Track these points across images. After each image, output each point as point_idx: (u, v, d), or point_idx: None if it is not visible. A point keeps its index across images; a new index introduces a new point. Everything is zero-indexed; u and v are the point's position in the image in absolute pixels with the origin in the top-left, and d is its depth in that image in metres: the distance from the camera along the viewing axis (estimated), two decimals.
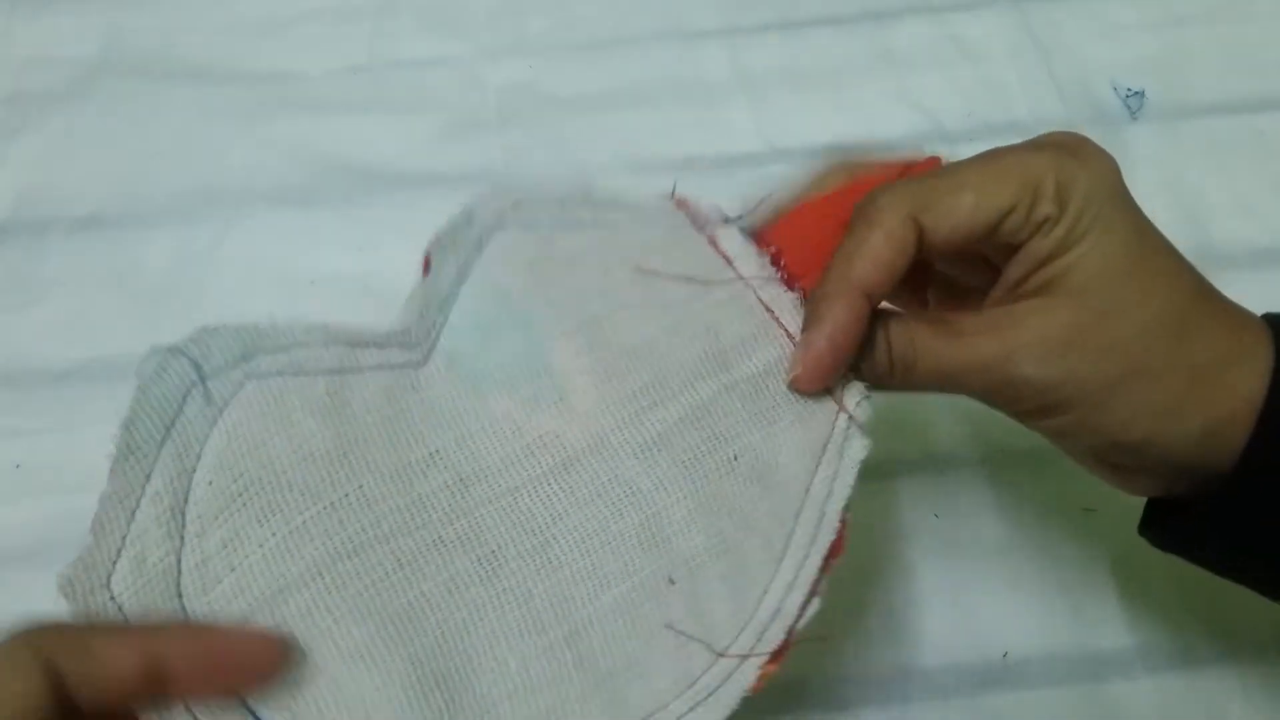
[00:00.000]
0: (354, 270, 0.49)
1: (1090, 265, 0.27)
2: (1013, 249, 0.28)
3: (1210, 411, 0.27)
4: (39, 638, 0.22)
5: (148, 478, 0.25)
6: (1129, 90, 0.54)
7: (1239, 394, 0.27)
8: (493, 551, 0.26)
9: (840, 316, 0.28)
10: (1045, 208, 0.27)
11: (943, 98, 0.54)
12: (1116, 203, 0.28)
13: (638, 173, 0.51)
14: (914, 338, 0.28)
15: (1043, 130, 0.51)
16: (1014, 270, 0.28)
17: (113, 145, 0.53)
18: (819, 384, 0.29)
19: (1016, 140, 0.51)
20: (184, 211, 0.51)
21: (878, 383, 0.29)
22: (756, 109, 0.54)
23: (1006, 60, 0.55)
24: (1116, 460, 0.29)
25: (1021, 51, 0.55)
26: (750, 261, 0.30)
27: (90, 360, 0.46)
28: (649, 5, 0.58)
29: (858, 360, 0.29)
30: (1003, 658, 0.39)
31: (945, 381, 0.28)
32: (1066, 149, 0.28)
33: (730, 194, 0.50)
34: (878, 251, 0.28)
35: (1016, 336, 0.27)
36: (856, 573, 0.41)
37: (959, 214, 0.28)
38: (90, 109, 0.54)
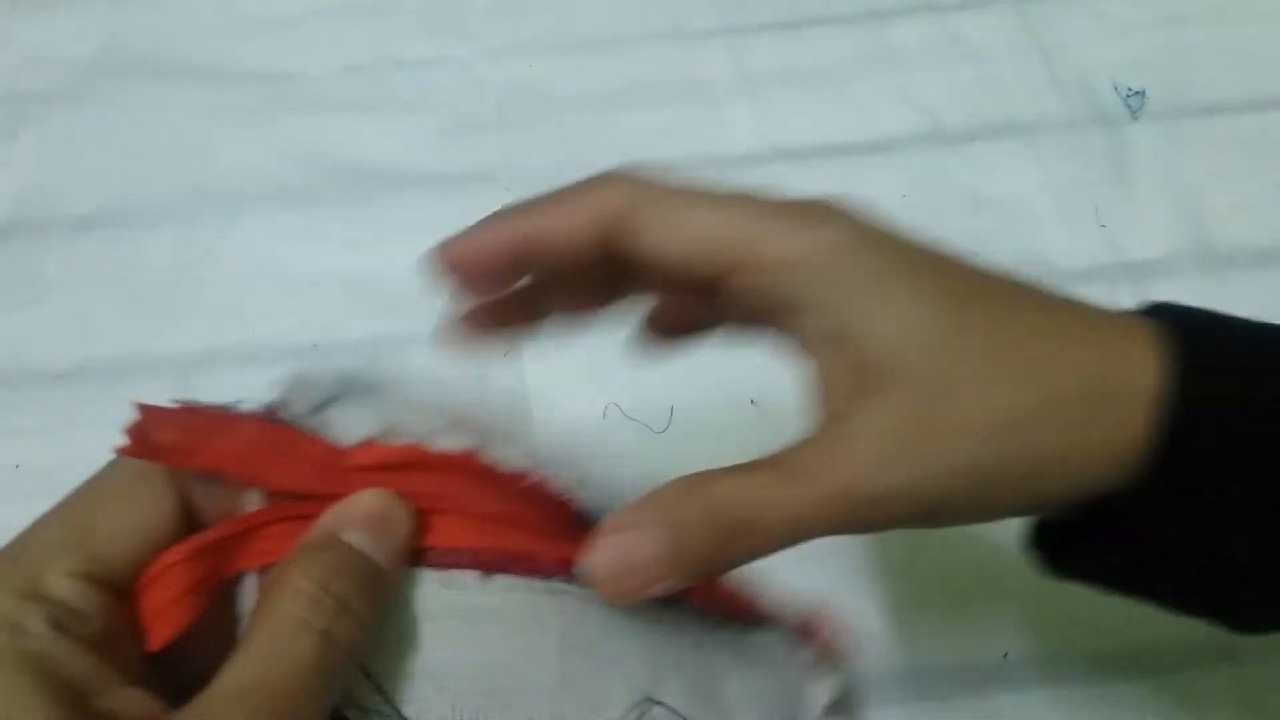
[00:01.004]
0: (354, 270, 0.49)
1: (888, 341, 0.23)
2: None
3: (1098, 444, 0.23)
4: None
5: None
6: (1130, 90, 0.53)
7: (1129, 422, 0.23)
8: None
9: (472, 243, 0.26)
10: (785, 279, 0.24)
11: (943, 97, 0.54)
12: (887, 257, 0.24)
13: None
14: (752, 494, 0.23)
15: (1043, 130, 0.52)
16: (816, 365, 0.24)
17: (112, 145, 0.53)
18: (616, 578, 0.23)
19: (1017, 141, 0.52)
20: (184, 211, 0.51)
21: (697, 562, 0.23)
22: (756, 109, 0.54)
23: (1007, 59, 0.55)
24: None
25: (1022, 51, 0.55)
26: None
27: (90, 360, 0.46)
28: (649, 5, 0.58)
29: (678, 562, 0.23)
30: (1003, 658, 0.39)
31: (799, 533, 0.23)
32: (807, 212, 0.25)
33: None
34: (563, 207, 0.25)
35: (855, 452, 0.23)
36: (856, 573, 0.41)
37: (684, 232, 0.24)
38: (90, 109, 0.54)
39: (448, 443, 0.25)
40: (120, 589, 0.22)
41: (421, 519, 0.24)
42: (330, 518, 0.23)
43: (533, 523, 0.25)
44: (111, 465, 0.24)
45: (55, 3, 0.58)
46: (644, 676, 0.25)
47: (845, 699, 0.28)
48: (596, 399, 0.45)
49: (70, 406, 0.45)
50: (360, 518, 0.23)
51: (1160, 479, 0.23)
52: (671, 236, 0.24)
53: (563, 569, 0.24)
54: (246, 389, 0.46)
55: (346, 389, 0.26)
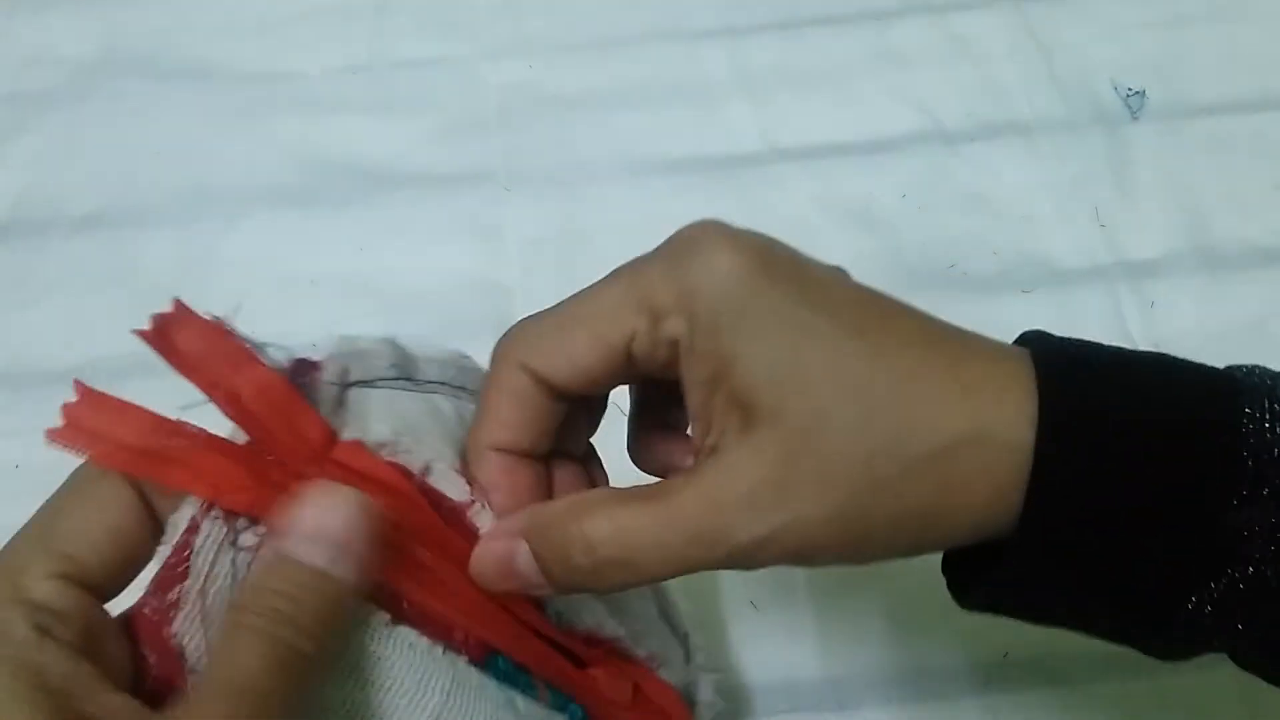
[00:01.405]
0: (354, 270, 0.49)
1: (761, 380, 0.23)
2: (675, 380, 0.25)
3: (972, 494, 0.22)
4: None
5: None
6: (1130, 90, 0.53)
7: (1003, 476, 0.22)
8: None
9: (489, 476, 0.26)
10: (671, 327, 0.24)
11: (943, 97, 0.54)
12: (760, 292, 0.23)
13: (637, 173, 0.51)
14: (597, 521, 0.23)
15: (1043, 130, 0.52)
16: (695, 405, 0.24)
17: (112, 145, 0.53)
18: (498, 579, 0.25)
19: (1017, 141, 0.52)
20: (184, 211, 0.51)
21: (571, 584, 0.24)
22: (757, 108, 0.54)
23: (1007, 60, 0.55)
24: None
25: (1022, 51, 0.55)
26: None
27: (90, 360, 0.46)
28: (649, 5, 0.58)
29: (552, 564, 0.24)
30: (1003, 658, 0.39)
31: (669, 571, 0.24)
32: (677, 252, 0.25)
33: (731, 193, 0.51)
34: (495, 409, 0.26)
35: (725, 496, 0.23)
36: (856, 573, 0.41)
37: (575, 353, 0.25)
38: (90, 109, 0.54)
39: (439, 479, 0.26)
40: (97, 589, 0.23)
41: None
42: (275, 532, 0.23)
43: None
44: (74, 472, 0.24)
45: (55, 3, 0.58)
46: None
47: None
48: None
49: None
50: (301, 526, 0.23)
51: (1033, 525, 0.22)
52: (572, 366, 0.25)
53: (476, 651, 0.25)
54: None
55: (383, 374, 0.27)
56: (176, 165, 0.52)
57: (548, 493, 0.27)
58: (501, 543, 0.25)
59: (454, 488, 0.26)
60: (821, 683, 0.38)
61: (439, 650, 0.24)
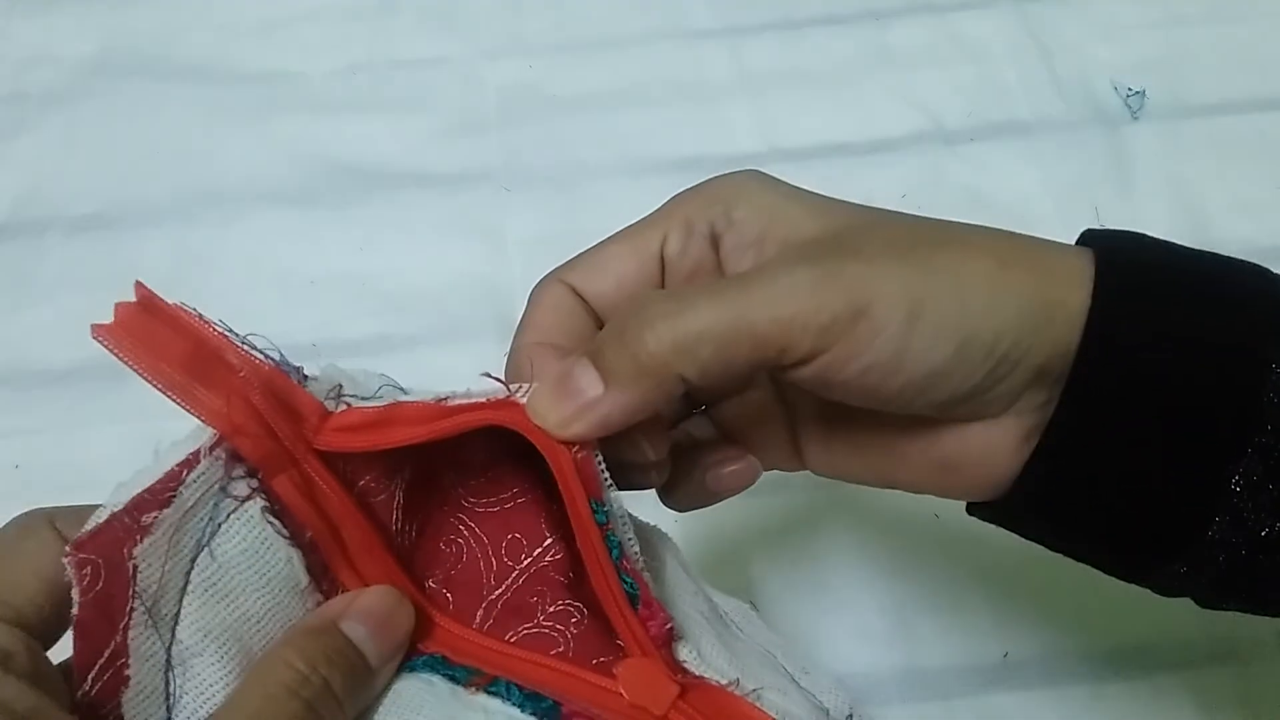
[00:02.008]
0: (353, 270, 0.49)
1: (809, 223, 0.25)
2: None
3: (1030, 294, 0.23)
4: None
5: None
6: (1130, 90, 0.53)
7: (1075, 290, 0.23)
8: None
9: (526, 366, 0.25)
10: (707, 216, 0.26)
11: (943, 97, 0.54)
12: (794, 190, 0.26)
13: (637, 173, 0.51)
14: (641, 306, 0.24)
15: (1043, 130, 0.53)
16: (747, 260, 0.26)
17: (112, 145, 0.53)
18: (554, 401, 0.24)
19: (1017, 141, 0.52)
20: (183, 211, 0.51)
21: (635, 379, 0.23)
22: (757, 108, 0.54)
23: (1007, 59, 0.55)
24: (954, 395, 0.24)
25: (1022, 51, 0.55)
26: None
27: (89, 360, 0.46)
28: (649, 5, 0.58)
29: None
30: (1003, 658, 0.39)
31: (691, 349, 0.23)
32: (706, 183, 0.27)
33: None
34: (537, 320, 0.27)
35: (760, 273, 0.24)
36: (857, 573, 0.41)
37: (609, 262, 0.27)
38: (90, 109, 0.54)
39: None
40: (36, 631, 0.23)
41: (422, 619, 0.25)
42: (336, 604, 0.24)
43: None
44: (5, 527, 0.25)
45: (55, 3, 0.58)
46: None
47: None
48: None
49: (69, 406, 0.45)
50: (363, 613, 0.24)
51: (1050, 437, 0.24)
52: (608, 279, 0.27)
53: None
54: None
55: (374, 394, 0.26)
56: (176, 165, 0.52)
57: None
58: (557, 365, 0.24)
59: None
60: None
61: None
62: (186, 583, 0.23)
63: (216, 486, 0.24)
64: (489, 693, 0.24)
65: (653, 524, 0.27)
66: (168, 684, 0.23)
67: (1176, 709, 0.38)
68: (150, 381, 0.24)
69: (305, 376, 0.26)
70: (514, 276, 0.48)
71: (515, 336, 0.27)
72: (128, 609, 0.23)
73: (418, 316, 0.47)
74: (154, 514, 0.23)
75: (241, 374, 0.25)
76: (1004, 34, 0.56)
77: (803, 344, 0.23)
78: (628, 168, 0.52)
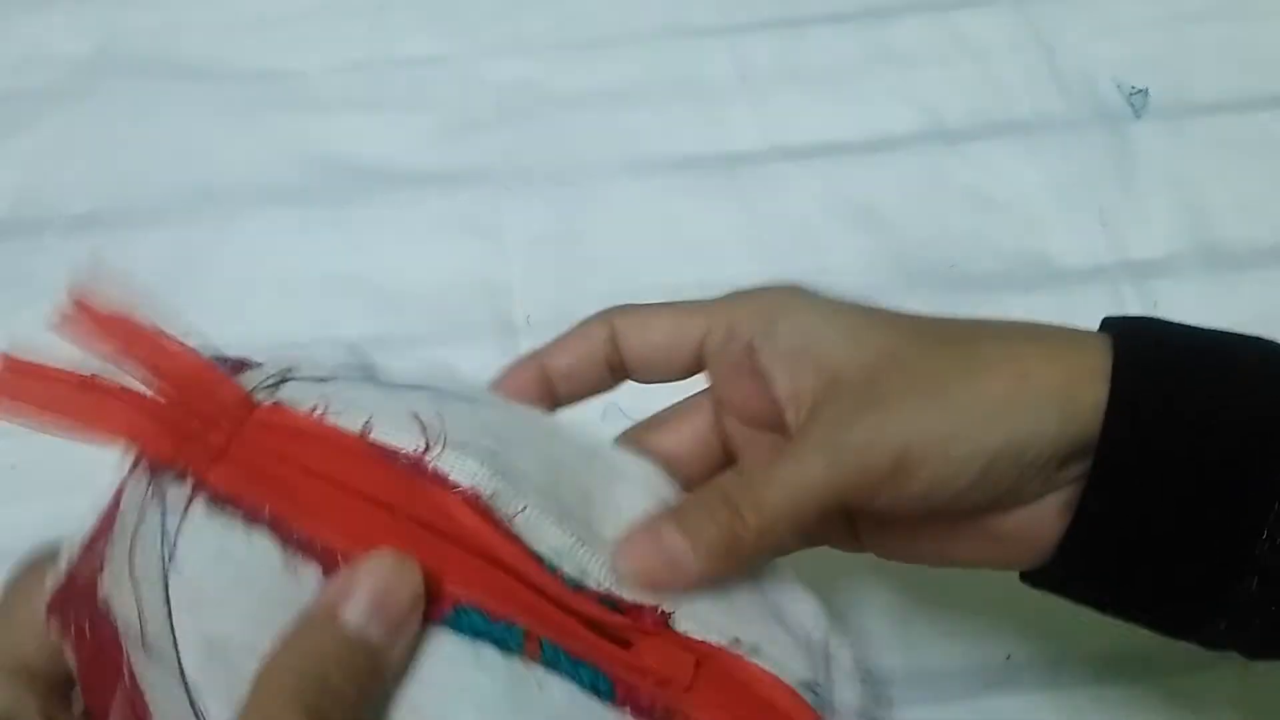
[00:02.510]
0: (352, 269, 0.49)
1: (840, 350, 0.27)
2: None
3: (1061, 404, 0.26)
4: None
5: None
6: (1133, 88, 0.53)
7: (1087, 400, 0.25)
8: None
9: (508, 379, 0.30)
10: (747, 329, 0.29)
11: (945, 95, 0.54)
12: (833, 310, 0.28)
13: (638, 171, 0.51)
14: (753, 476, 0.27)
15: (1045, 128, 0.52)
16: (782, 380, 0.28)
17: (110, 144, 0.53)
18: (649, 572, 0.25)
19: (1019, 139, 0.52)
20: (181, 210, 0.50)
21: (733, 554, 0.26)
22: (758, 107, 0.54)
23: (1009, 58, 0.55)
24: (992, 497, 0.27)
25: (1024, 49, 0.55)
26: None
27: (87, 360, 0.46)
28: (649, 3, 0.57)
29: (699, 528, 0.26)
30: (1005, 660, 0.39)
31: (804, 504, 0.26)
32: (758, 296, 0.29)
33: (732, 192, 0.51)
34: (569, 344, 0.30)
35: (845, 422, 0.26)
36: (857, 573, 0.41)
37: (653, 329, 0.30)
38: (87, 107, 0.54)
39: (383, 434, 0.24)
40: (52, 679, 0.25)
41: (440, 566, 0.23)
42: (333, 590, 0.22)
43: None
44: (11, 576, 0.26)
45: (53, 1, 0.58)
46: None
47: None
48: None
49: None
50: (359, 590, 0.22)
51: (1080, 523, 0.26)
52: (646, 338, 0.30)
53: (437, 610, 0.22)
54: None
55: (331, 372, 0.26)
56: (174, 164, 0.52)
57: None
58: (644, 532, 0.26)
59: (404, 437, 0.24)
60: None
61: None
62: (169, 607, 0.22)
63: (152, 500, 0.23)
64: (545, 664, 0.22)
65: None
66: (195, 711, 0.22)
67: (1179, 711, 0.38)
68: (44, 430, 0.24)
69: (245, 365, 0.26)
70: (513, 276, 0.48)
71: (543, 348, 0.30)
72: (123, 652, 0.22)
73: (416, 316, 0.47)
74: (104, 542, 0.23)
75: (141, 383, 0.25)
76: (1006, 32, 0.56)
77: (856, 499, 0.27)
78: (628, 166, 0.52)
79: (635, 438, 0.31)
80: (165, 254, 0.49)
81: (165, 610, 0.22)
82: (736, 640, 0.24)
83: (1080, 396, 0.25)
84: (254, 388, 0.25)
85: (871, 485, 0.26)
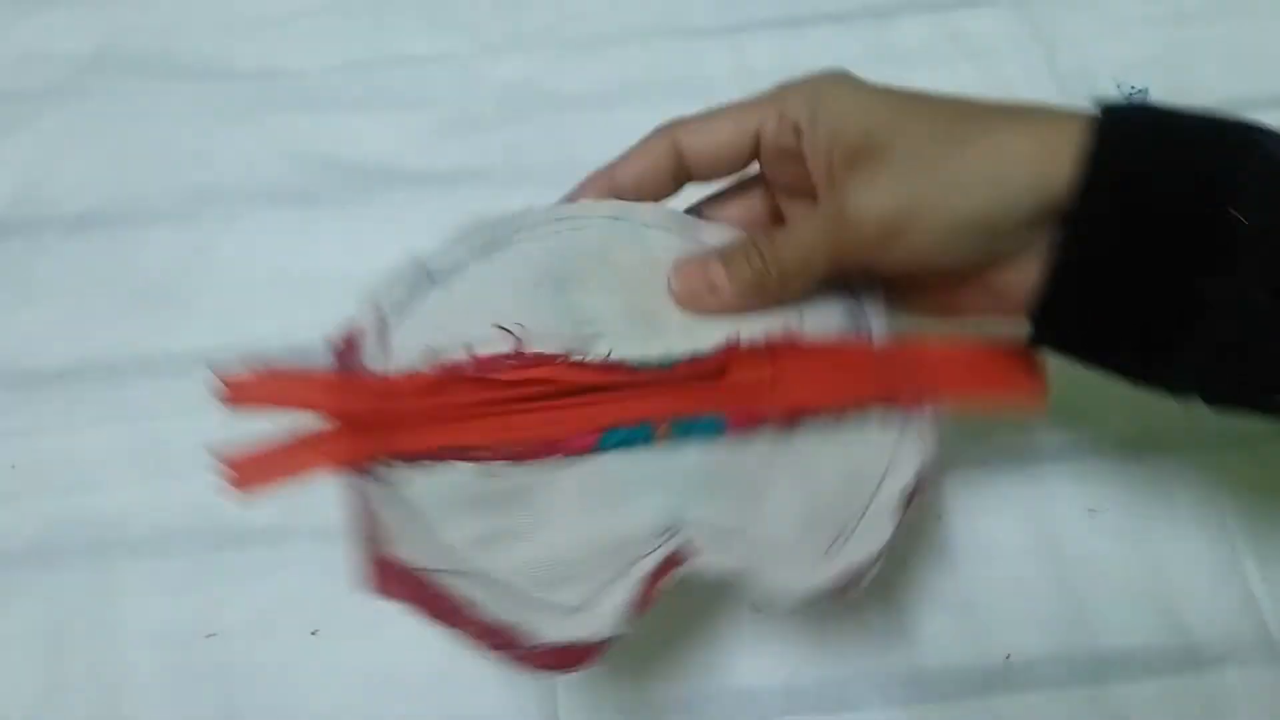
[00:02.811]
0: (352, 269, 0.48)
1: (869, 131, 0.31)
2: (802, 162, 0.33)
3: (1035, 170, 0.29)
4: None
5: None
6: (1133, 88, 0.53)
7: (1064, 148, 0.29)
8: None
9: (581, 192, 0.36)
10: (796, 113, 0.33)
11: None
12: (865, 93, 0.32)
13: None
14: (777, 236, 0.33)
15: None
16: (818, 160, 0.33)
17: (109, 143, 0.53)
18: (695, 295, 0.33)
19: None
20: (181, 210, 0.50)
21: (761, 292, 0.33)
22: None
23: (1009, 58, 0.55)
24: (971, 259, 0.31)
25: (1024, 49, 0.55)
26: None
27: (86, 360, 0.46)
28: (649, 3, 0.57)
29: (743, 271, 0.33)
30: (1005, 659, 0.39)
31: (814, 260, 0.32)
32: (805, 84, 0.34)
33: None
34: (635, 159, 0.35)
35: (845, 193, 0.31)
36: None
37: (715, 131, 0.35)
38: (86, 107, 0.54)
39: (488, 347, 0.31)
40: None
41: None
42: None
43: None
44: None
45: (53, 1, 0.58)
46: (666, 508, 0.30)
47: (923, 483, 0.32)
48: None
49: (66, 406, 0.45)
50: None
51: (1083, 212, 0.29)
52: (712, 140, 0.35)
53: (588, 441, 0.31)
54: None
55: (408, 295, 0.33)
56: (174, 163, 0.52)
57: None
58: (696, 263, 0.33)
59: (503, 345, 0.32)
60: (821, 684, 0.38)
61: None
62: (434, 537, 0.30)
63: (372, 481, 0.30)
64: (676, 435, 0.31)
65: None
66: None
67: (1179, 711, 0.38)
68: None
69: (355, 333, 0.32)
70: None
71: (611, 164, 0.36)
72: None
73: None
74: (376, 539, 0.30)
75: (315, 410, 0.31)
76: (1006, 32, 0.56)
77: (855, 259, 0.32)
78: None
79: (700, 209, 0.37)
80: (165, 254, 0.49)
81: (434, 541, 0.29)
82: (792, 323, 0.33)
83: (1051, 170, 0.29)
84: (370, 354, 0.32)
85: (863, 248, 0.31)
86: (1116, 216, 0.28)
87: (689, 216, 0.36)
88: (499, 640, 0.28)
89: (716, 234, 0.35)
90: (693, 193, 0.37)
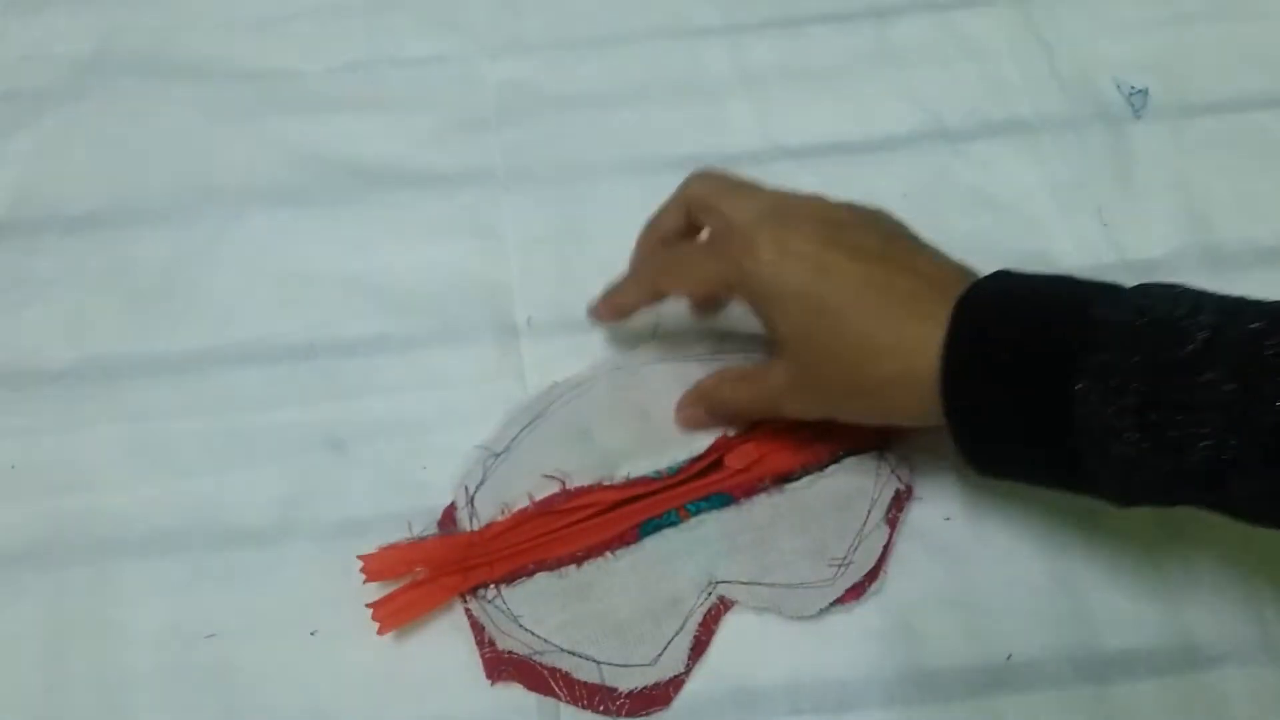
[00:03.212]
0: (351, 269, 0.49)
1: (786, 333, 0.37)
2: None
3: (906, 406, 0.36)
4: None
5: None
6: (1133, 88, 0.53)
7: (927, 366, 0.34)
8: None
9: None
10: (737, 296, 0.39)
11: (945, 95, 0.54)
12: (786, 282, 0.37)
13: (638, 171, 0.51)
14: (721, 391, 0.42)
15: (1045, 128, 0.52)
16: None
17: (109, 143, 0.53)
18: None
19: (1019, 139, 0.52)
20: (181, 210, 0.50)
21: (720, 422, 0.42)
22: (758, 106, 0.54)
23: (1009, 58, 0.55)
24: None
25: (1024, 48, 0.55)
26: None
27: (86, 360, 0.46)
28: (650, 3, 0.57)
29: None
30: (1006, 659, 0.39)
31: (748, 414, 0.42)
32: (740, 248, 0.38)
33: None
34: (624, 293, 0.44)
35: (770, 384, 0.39)
36: None
37: (687, 291, 0.42)
38: (87, 107, 0.54)
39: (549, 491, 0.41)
40: None
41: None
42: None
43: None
44: None
45: (53, 1, 0.58)
46: (701, 570, 0.40)
47: (903, 504, 0.41)
48: None
49: (66, 406, 0.45)
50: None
51: (950, 414, 0.34)
52: (687, 293, 0.43)
53: (632, 535, 0.41)
54: (243, 387, 0.46)
55: (483, 473, 0.42)
56: (173, 163, 0.52)
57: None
58: (689, 409, 0.42)
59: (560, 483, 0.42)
60: (822, 684, 0.38)
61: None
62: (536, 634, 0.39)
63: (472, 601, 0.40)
64: (695, 513, 0.41)
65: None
66: None
67: (1180, 711, 0.38)
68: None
69: (452, 508, 0.42)
70: (513, 276, 0.48)
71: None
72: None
73: (415, 316, 0.47)
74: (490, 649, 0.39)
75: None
76: (1006, 32, 0.56)
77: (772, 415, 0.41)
78: (628, 166, 0.51)
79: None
80: (164, 254, 0.49)
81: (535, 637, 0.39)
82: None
83: (924, 375, 0.34)
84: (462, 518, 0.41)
85: (777, 415, 0.40)
86: (978, 387, 0.34)
87: (675, 348, 0.45)
88: (594, 698, 0.37)
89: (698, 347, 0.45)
90: None
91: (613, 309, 0.44)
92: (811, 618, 0.39)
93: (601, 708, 0.37)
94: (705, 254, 0.40)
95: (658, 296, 0.42)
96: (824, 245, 0.37)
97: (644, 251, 0.44)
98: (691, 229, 0.42)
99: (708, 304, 0.44)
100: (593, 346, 0.45)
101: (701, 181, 0.42)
